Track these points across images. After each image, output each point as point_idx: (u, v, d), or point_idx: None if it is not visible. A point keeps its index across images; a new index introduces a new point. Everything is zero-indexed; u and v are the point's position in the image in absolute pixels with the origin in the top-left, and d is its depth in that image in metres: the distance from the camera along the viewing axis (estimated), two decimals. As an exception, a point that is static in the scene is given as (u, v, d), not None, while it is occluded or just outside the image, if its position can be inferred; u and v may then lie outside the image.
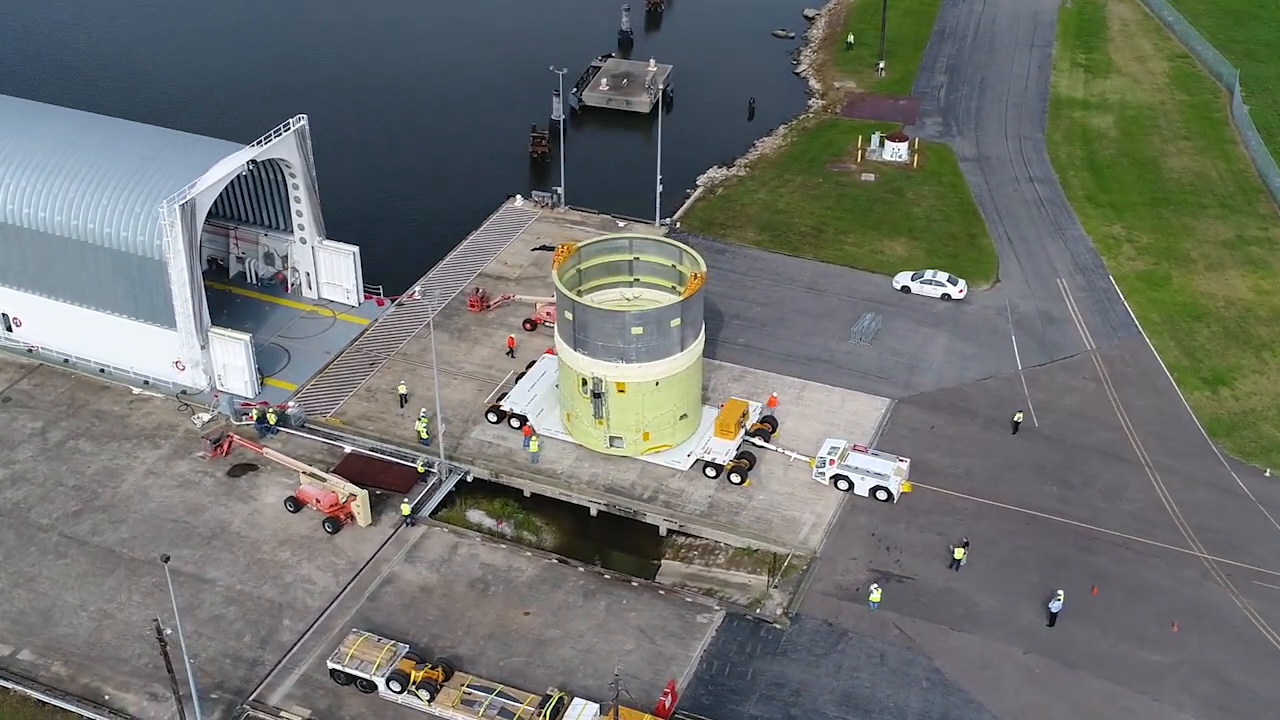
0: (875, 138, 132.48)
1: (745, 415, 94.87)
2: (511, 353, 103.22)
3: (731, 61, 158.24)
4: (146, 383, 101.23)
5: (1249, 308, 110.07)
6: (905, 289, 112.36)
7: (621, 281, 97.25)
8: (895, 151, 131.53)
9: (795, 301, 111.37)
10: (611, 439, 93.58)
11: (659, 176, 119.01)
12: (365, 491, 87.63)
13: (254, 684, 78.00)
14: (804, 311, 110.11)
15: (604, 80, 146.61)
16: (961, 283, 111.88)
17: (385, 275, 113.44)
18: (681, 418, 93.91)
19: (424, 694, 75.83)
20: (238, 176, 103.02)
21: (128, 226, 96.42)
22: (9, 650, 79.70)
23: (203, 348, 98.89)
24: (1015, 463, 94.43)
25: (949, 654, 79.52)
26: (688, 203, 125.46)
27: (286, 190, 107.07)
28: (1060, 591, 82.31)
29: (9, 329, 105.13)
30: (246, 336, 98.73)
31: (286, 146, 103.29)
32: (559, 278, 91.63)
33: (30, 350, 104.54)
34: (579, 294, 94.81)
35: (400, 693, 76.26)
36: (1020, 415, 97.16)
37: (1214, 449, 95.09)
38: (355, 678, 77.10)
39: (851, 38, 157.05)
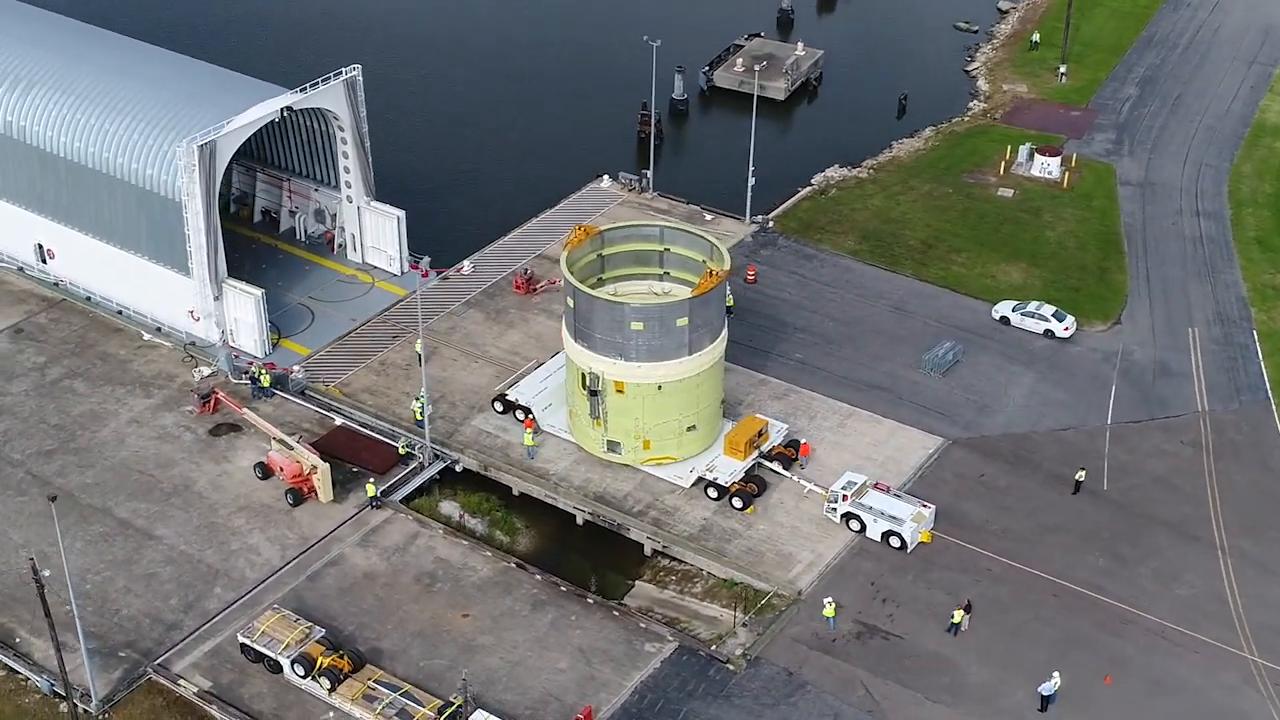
0: (1024, 149, 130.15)
1: (762, 435, 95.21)
2: None
3: (897, 52, 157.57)
4: (159, 329, 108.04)
5: None
6: (1004, 320, 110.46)
7: (651, 274, 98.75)
8: (1045, 167, 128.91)
9: (875, 320, 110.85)
10: (609, 443, 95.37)
11: (751, 168, 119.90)
12: (326, 465, 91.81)
13: (165, 647, 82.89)
14: (881, 333, 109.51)
15: (740, 61, 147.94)
16: (1070, 320, 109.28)
17: (443, 246, 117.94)
18: (689, 429, 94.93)
19: (325, 681, 79.32)
20: (289, 125, 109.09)
21: (153, 164, 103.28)
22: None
23: (216, 299, 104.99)
24: (1064, 526, 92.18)
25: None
26: (790, 201, 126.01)
27: (335, 144, 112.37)
28: (1056, 674, 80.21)
29: (44, 260, 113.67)
30: (259, 292, 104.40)
31: (333, 97, 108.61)
32: (568, 260, 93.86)
33: (57, 284, 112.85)
34: (600, 281, 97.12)
35: (304, 677, 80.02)
36: (1083, 473, 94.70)
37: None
38: (263, 655, 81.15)
39: (1038, 36, 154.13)
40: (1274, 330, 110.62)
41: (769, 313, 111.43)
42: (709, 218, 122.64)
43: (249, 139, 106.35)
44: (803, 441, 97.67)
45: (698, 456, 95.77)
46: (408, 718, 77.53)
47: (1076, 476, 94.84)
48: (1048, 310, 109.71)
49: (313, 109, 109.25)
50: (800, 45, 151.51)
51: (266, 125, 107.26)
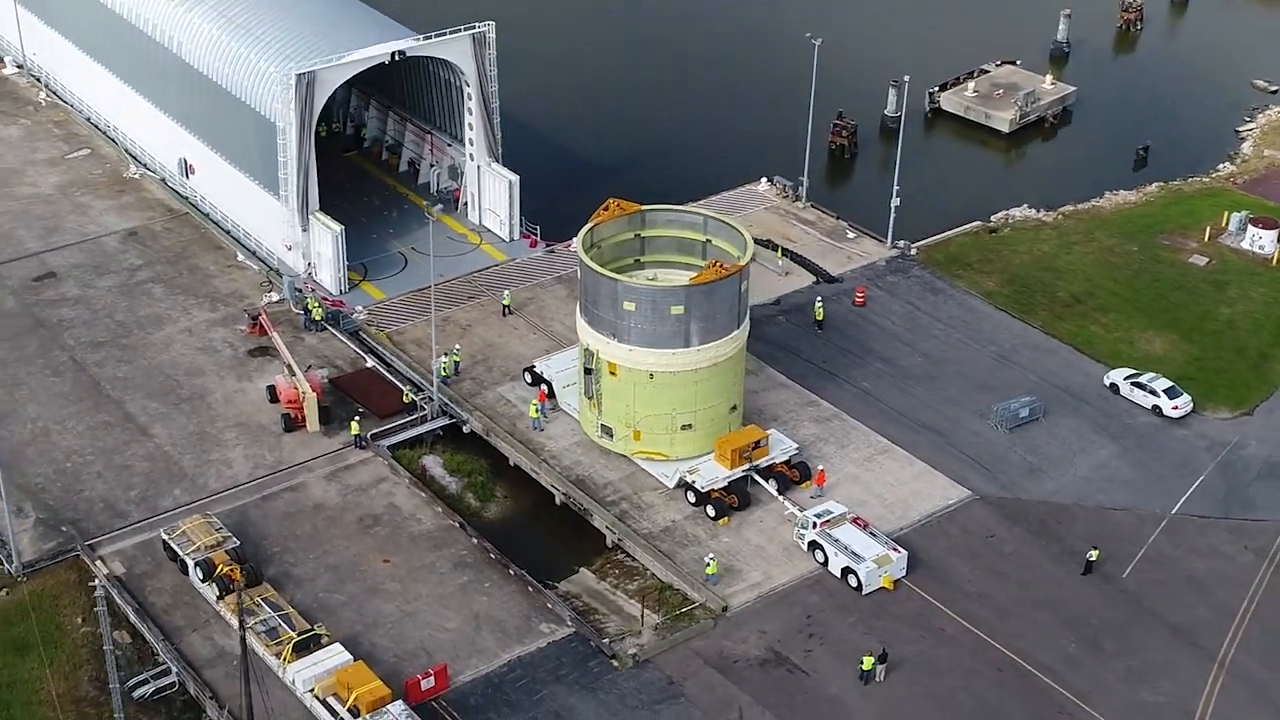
0: (1238, 217, 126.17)
1: (758, 448, 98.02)
2: None
3: (1169, 100, 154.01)
4: (254, 253, 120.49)
5: None
6: (1114, 388, 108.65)
7: (694, 264, 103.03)
8: (1257, 239, 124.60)
9: (969, 364, 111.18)
10: (603, 427, 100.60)
11: (895, 188, 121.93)
12: (314, 395, 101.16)
13: (103, 531, 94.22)
14: (969, 378, 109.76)
15: (973, 86, 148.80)
16: (1184, 399, 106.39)
17: (569, 221, 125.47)
18: (683, 427, 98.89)
19: (215, 588, 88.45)
20: (427, 75, 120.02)
21: (267, 89, 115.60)
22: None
23: (304, 230, 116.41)
24: (1052, 604, 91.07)
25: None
26: (948, 233, 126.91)
27: (463, 99, 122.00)
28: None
29: (185, 175, 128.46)
30: (339, 228, 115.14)
31: (459, 50, 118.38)
32: (595, 233, 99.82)
33: (186, 198, 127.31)
34: (639, 263, 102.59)
35: (203, 582, 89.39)
36: (1095, 553, 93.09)
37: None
38: (176, 554, 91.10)
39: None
40: None
41: (860, 338, 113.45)
42: (850, 235, 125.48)
43: (402, 85, 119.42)
44: (819, 469, 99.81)
45: (695, 459, 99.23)
46: (274, 637, 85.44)
47: (1088, 556, 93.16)
48: (1161, 384, 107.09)
49: (442, 60, 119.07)
50: (1049, 79, 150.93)
51: (410, 75, 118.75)
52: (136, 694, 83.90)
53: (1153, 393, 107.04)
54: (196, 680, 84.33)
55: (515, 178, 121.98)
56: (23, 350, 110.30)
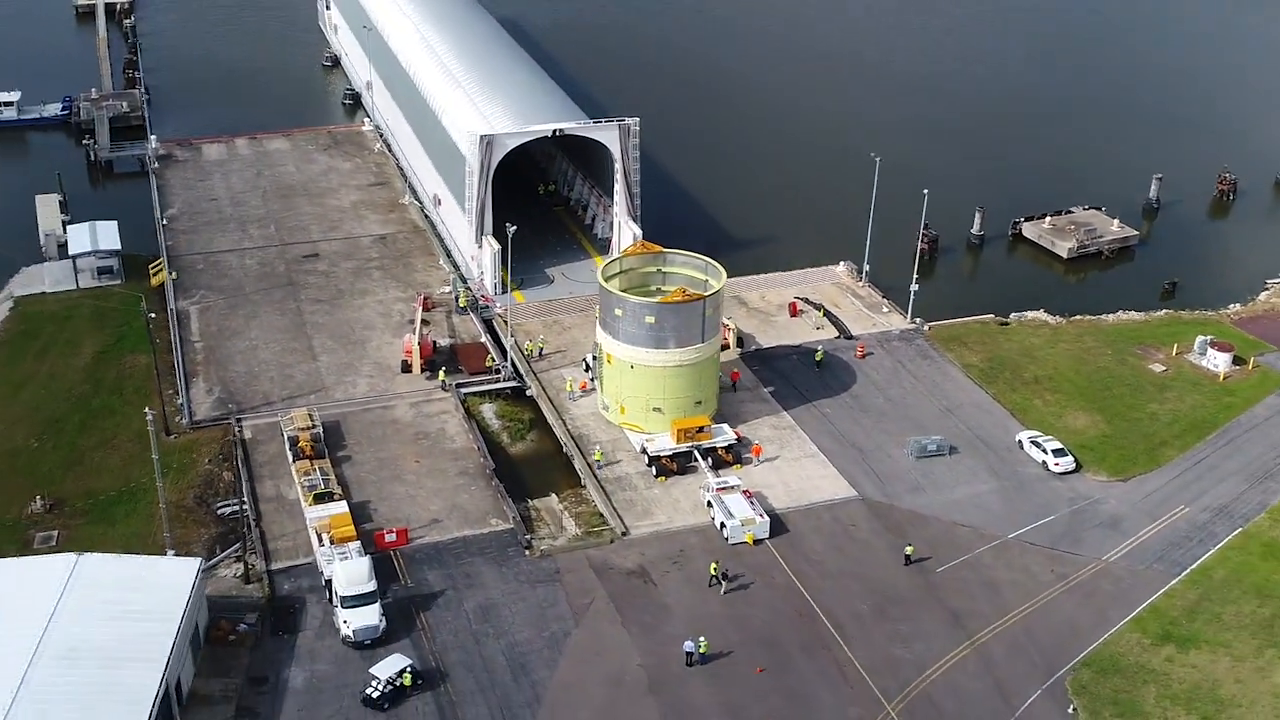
0: (1201, 340, 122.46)
1: (702, 432, 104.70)
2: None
3: (1219, 253, 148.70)
4: (452, 259, 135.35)
5: None
6: (1020, 444, 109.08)
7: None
8: (1214, 360, 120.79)
9: (919, 412, 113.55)
10: (603, 401, 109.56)
11: (914, 277, 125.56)
12: (416, 349, 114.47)
13: (252, 409, 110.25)
14: (912, 420, 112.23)
15: (1049, 219, 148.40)
16: (1068, 460, 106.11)
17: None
18: (654, 409, 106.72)
19: (292, 455, 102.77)
20: (596, 150, 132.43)
21: (469, 145, 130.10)
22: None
23: (479, 245, 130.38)
24: (868, 579, 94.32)
25: (591, 638, 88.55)
26: (963, 319, 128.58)
27: (613, 171, 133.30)
28: (702, 638, 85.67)
29: (435, 205, 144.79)
30: (497, 246, 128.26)
31: (608, 135, 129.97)
32: (624, 263, 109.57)
33: (429, 220, 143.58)
34: (659, 289, 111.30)
35: (289, 450, 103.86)
36: (911, 549, 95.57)
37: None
38: (283, 431, 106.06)
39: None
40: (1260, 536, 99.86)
41: (844, 379, 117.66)
42: (885, 310, 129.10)
43: (587, 156, 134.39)
44: (755, 444, 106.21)
45: (659, 433, 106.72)
46: (314, 488, 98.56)
47: (905, 550, 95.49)
48: (1052, 445, 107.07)
49: (595, 141, 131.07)
50: (1117, 222, 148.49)
51: (590, 149, 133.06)
52: (220, 511, 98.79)
53: (1044, 450, 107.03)
54: (253, 508, 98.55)
55: (640, 231, 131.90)
56: (270, 298, 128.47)
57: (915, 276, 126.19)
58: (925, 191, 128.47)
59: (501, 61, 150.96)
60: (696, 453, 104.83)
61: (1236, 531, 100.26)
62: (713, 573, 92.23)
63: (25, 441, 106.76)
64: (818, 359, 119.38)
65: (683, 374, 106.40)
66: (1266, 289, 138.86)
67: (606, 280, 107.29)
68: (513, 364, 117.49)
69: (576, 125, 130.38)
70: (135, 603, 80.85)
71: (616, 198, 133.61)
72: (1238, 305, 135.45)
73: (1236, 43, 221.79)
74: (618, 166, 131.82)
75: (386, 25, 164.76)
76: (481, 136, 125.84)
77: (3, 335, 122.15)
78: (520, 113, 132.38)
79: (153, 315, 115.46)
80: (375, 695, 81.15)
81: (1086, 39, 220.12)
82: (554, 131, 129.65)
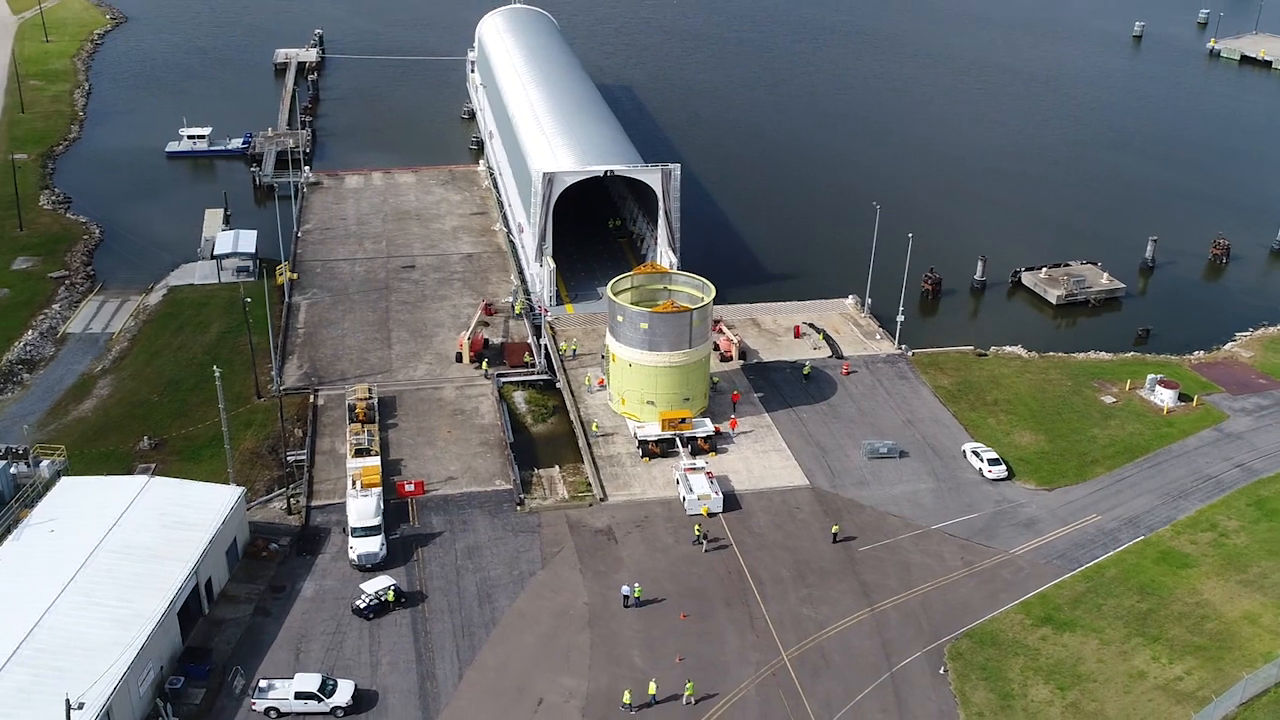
0: (1152, 378, 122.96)
1: (684, 423, 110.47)
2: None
3: (1199, 309, 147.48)
4: (521, 275, 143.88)
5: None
6: (964, 453, 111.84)
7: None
8: (1161, 396, 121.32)
9: (882, 420, 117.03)
10: (610, 394, 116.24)
11: (900, 307, 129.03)
12: (467, 343, 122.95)
13: (329, 383, 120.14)
14: (875, 426, 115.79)
15: (1045, 270, 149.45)
16: (1001, 468, 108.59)
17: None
18: (648, 403, 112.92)
19: (350, 418, 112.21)
20: (649, 190, 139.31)
21: (536, 179, 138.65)
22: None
23: (539, 264, 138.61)
24: (798, 551, 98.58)
25: (551, 578, 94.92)
26: (946, 349, 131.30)
27: (658, 209, 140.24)
28: (637, 584, 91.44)
29: (519, 232, 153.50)
30: (552, 265, 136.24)
31: (652, 177, 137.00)
32: (634, 279, 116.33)
33: (511, 243, 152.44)
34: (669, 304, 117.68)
35: (348, 415, 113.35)
36: (837, 528, 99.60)
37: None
38: (343, 401, 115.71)
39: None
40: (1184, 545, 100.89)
41: (828, 392, 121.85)
42: (878, 337, 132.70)
43: (644, 194, 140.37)
44: (732, 418, 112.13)
45: (649, 423, 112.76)
46: (358, 445, 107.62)
47: (833, 529, 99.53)
48: (989, 455, 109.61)
49: (640, 181, 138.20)
50: (1106, 276, 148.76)
51: (644, 188, 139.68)
52: (287, 459, 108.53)
53: (981, 459, 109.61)
54: (310, 456, 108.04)
55: (676, 260, 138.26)
56: (368, 298, 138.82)
57: (901, 308, 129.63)
58: (911, 235, 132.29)
59: (583, 109, 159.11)
60: (679, 440, 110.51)
61: (1138, 539, 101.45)
62: (697, 533, 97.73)
63: (149, 396, 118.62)
64: (805, 372, 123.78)
65: (673, 373, 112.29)
66: (1234, 340, 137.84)
67: (615, 294, 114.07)
68: (547, 360, 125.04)
69: (625, 167, 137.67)
70: (183, 516, 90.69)
71: (660, 230, 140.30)
72: (1201, 352, 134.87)
73: (1247, 116, 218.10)
74: (660, 204, 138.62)
75: (503, 83, 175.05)
76: (544, 173, 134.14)
77: (153, 315, 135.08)
78: (583, 154, 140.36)
79: (248, 299, 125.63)
80: (362, 606, 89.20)
81: (1115, 111, 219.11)
82: (605, 172, 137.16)
